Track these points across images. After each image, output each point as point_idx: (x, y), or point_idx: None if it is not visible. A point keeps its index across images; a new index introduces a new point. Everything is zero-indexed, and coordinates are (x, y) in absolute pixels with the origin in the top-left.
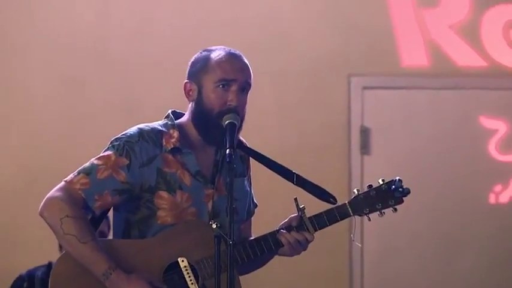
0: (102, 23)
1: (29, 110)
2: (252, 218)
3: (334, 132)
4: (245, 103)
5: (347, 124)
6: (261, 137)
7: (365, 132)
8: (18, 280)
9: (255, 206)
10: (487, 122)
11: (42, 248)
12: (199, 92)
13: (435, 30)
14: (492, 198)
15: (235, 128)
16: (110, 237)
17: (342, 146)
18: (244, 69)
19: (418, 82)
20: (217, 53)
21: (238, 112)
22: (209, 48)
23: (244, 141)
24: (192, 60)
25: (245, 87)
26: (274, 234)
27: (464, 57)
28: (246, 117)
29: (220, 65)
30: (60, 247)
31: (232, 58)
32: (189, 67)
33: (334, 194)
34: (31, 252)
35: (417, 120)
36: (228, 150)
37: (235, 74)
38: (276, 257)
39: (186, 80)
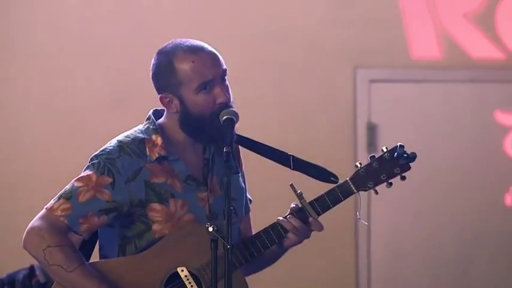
0: (90, 11)
1: (11, 102)
2: (251, 215)
3: (339, 129)
4: (228, 89)
5: (353, 120)
6: (262, 133)
7: (372, 129)
8: None
9: (250, 201)
10: (503, 118)
11: (23, 251)
12: (182, 103)
13: (448, 19)
14: (508, 200)
15: (233, 124)
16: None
17: (347, 143)
18: (215, 60)
19: (429, 75)
20: (180, 57)
21: (230, 104)
22: (162, 50)
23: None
24: (152, 71)
25: (223, 76)
26: (275, 225)
27: (479, 48)
28: (246, 112)
29: (192, 71)
30: None
31: (198, 55)
32: (154, 79)
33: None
34: (11, 255)
35: (428, 116)
36: (225, 149)
37: (210, 72)
38: (283, 259)
39: (161, 95)
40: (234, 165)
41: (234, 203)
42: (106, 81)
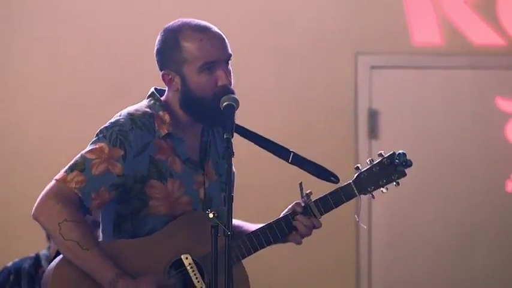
0: None
1: (12, 90)
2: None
3: (340, 115)
4: (231, 73)
5: (354, 106)
6: (262, 120)
7: (373, 115)
8: (3, 273)
9: None
10: (504, 104)
11: (28, 239)
12: (184, 81)
13: (449, 5)
14: (509, 186)
15: (233, 111)
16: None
17: (348, 130)
18: (221, 42)
19: (430, 61)
20: (187, 35)
21: (231, 88)
22: (169, 26)
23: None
24: (157, 46)
25: (227, 60)
26: (279, 222)
27: (480, 34)
28: (247, 99)
29: (197, 49)
30: (48, 236)
31: (205, 35)
32: (158, 55)
33: (341, 181)
34: (17, 243)
35: (429, 103)
36: (225, 135)
37: (215, 53)
38: (283, 250)
39: (163, 72)
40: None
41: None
42: (107, 69)
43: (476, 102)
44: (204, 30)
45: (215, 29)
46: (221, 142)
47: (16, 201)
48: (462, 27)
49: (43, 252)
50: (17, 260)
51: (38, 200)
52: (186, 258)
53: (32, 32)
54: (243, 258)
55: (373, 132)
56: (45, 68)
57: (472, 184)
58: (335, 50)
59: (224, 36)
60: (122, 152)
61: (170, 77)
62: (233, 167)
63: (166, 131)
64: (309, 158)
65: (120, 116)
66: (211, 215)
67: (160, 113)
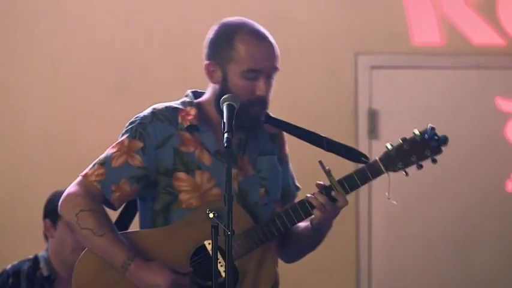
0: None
1: (13, 88)
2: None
3: (340, 115)
4: (271, 87)
5: (354, 106)
6: None
7: (373, 115)
8: (2, 276)
9: (297, 188)
10: (504, 104)
11: (27, 241)
12: (225, 78)
13: (449, 5)
14: (509, 186)
15: (233, 111)
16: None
17: (348, 130)
18: (272, 54)
19: (430, 61)
20: (243, 36)
21: (266, 100)
22: (229, 22)
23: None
24: (211, 36)
25: (272, 73)
26: (302, 202)
27: (481, 34)
28: None
29: (248, 54)
30: (46, 237)
31: (260, 43)
32: (209, 44)
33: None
34: (15, 245)
35: (429, 103)
36: (226, 135)
37: (263, 63)
38: None
39: (208, 61)
40: (269, 147)
41: (266, 183)
42: (107, 69)
43: (476, 102)
44: (260, 37)
45: (271, 39)
46: (264, 139)
47: (15, 202)
48: (462, 27)
49: (41, 254)
50: (15, 262)
51: (63, 195)
52: (209, 243)
53: (32, 32)
54: (267, 240)
55: (373, 132)
56: (45, 68)
57: (472, 184)
58: (335, 50)
59: (277, 49)
60: (141, 144)
61: (213, 69)
62: (279, 166)
63: (189, 123)
64: (309, 157)
65: (145, 110)
66: (211, 215)
67: (188, 108)
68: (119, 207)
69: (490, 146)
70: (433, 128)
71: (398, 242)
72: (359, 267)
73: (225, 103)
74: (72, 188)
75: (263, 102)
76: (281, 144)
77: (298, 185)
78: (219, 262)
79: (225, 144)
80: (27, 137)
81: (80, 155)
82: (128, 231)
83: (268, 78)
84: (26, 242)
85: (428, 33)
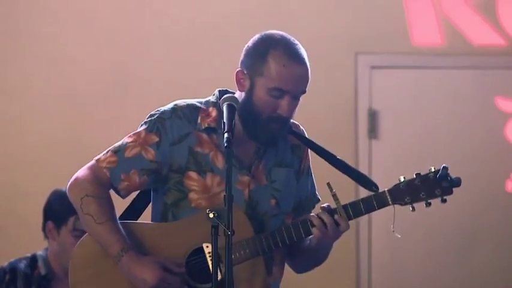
0: None
1: (13, 87)
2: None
3: (340, 115)
4: (295, 108)
5: (354, 106)
6: None
7: (373, 115)
8: None
9: (318, 200)
10: (504, 104)
11: (25, 239)
12: (251, 89)
13: (449, 5)
14: (509, 186)
15: (234, 111)
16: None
17: (348, 130)
18: (303, 77)
19: (430, 61)
20: (277, 53)
21: (287, 121)
22: (269, 34)
23: (301, 128)
24: (249, 45)
25: (299, 95)
26: (305, 220)
27: (480, 34)
28: None
29: (277, 73)
30: (46, 235)
31: (293, 64)
32: (244, 52)
33: (341, 182)
34: (13, 243)
35: (429, 102)
36: (226, 135)
37: (291, 85)
38: None
39: (239, 68)
40: (288, 159)
41: (278, 194)
42: (107, 69)
43: (476, 102)
44: (293, 58)
45: (305, 61)
46: (284, 150)
47: (15, 201)
48: (462, 27)
49: (39, 253)
50: (12, 260)
51: (73, 176)
52: (207, 246)
53: (33, 31)
54: (263, 253)
55: (373, 132)
56: (46, 67)
57: (472, 184)
58: (335, 50)
59: (308, 72)
60: (157, 139)
61: (243, 77)
62: (295, 180)
63: (207, 125)
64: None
65: (167, 105)
66: (211, 215)
67: (210, 108)
68: (127, 195)
69: (490, 146)
70: (445, 168)
71: (398, 242)
72: (359, 267)
73: (225, 103)
74: (82, 171)
75: (284, 121)
76: (302, 156)
77: (319, 197)
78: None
79: (225, 145)
80: (27, 137)
81: (80, 155)
82: (130, 221)
83: (294, 99)
84: (25, 242)
85: (428, 33)
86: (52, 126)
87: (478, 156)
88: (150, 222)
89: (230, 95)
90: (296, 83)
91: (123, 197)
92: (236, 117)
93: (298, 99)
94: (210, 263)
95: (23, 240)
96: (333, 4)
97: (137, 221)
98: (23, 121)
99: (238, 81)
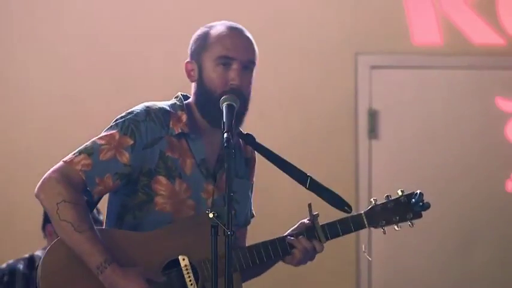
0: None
1: (11, 89)
2: (248, 228)
3: (340, 115)
4: (250, 83)
5: (354, 106)
6: (263, 121)
7: (373, 115)
8: None
9: (252, 216)
10: (504, 104)
11: (23, 240)
12: (200, 72)
13: (449, 5)
14: (509, 186)
15: (233, 111)
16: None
17: (348, 130)
18: (247, 45)
19: (430, 61)
20: (217, 29)
21: (242, 92)
22: (210, 24)
23: (253, 135)
24: (193, 38)
25: (248, 66)
26: (283, 240)
27: (480, 34)
28: None
29: (220, 41)
30: (45, 234)
31: (233, 33)
32: (190, 46)
33: (340, 182)
34: (11, 244)
35: (429, 102)
36: (225, 134)
37: (236, 51)
38: None
39: (187, 60)
40: (242, 171)
41: (237, 206)
42: (107, 68)
43: (476, 102)
44: (233, 29)
45: (246, 33)
46: (240, 161)
47: (15, 201)
48: (462, 27)
49: (37, 253)
50: (11, 261)
51: (42, 178)
52: (183, 259)
53: (32, 31)
54: (240, 269)
55: (373, 132)
56: (45, 67)
57: (472, 184)
58: (335, 50)
59: (252, 42)
60: (132, 142)
61: (190, 66)
62: (249, 191)
63: (180, 130)
64: (309, 158)
65: (137, 107)
66: (211, 215)
67: (179, 112)
68: (98, 200)
69: (490, 146)
70: (421, 194)
71: (398, 242)
72: (359, 267)
73: (225, 103)
74: (53, 173)
75: (238, 93)
76: (253, 169)
77: (254, 212)
78: (190, 282)
79: (225, 144)
80: (27, 137)
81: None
82: (106, 228)
83: (244, 69)
84: (25, 242)
85: (428, 33)
86: (52, 126)
87: (478, 156)
88: (123, 230)
89: (230, 95)
90: (240, 50)
91: (93, 200)
92: (196, 112)
93: (251, 72)
94: (185, 276)
95: (23, 240)
96: (333, 4)
97: (111, 228)
98: (23, 121)
99: (188, 73)
